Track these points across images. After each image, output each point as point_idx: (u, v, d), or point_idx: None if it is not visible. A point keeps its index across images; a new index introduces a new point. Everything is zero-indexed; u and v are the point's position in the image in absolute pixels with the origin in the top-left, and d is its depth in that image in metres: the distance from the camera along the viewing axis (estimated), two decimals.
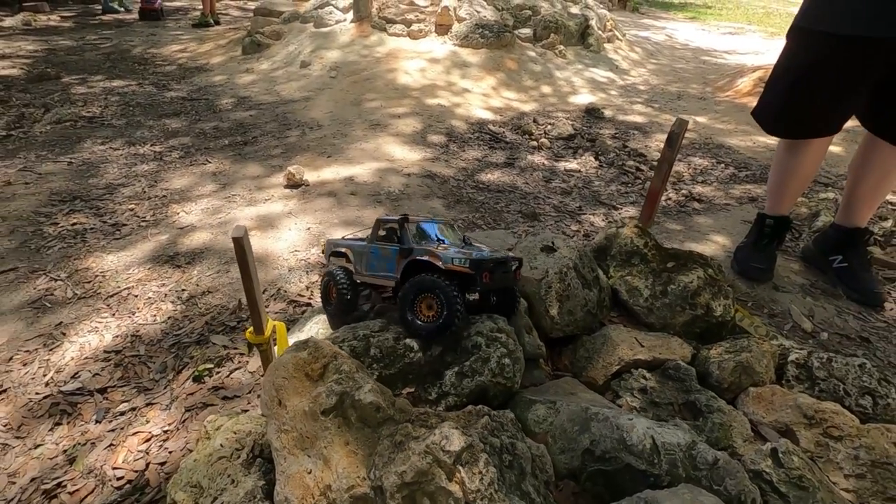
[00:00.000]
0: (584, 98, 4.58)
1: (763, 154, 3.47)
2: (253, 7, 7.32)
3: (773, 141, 3.71)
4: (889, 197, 2.72)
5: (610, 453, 0.96)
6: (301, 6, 5.76)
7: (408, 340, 1.14)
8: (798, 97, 1.69)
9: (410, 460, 0.73)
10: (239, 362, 1.49)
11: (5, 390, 1.42)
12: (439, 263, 1.10)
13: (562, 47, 5.31)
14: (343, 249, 1.39)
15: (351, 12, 5.24)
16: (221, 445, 0.95)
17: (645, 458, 0.92)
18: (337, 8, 5.33)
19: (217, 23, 7.18)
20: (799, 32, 1.69)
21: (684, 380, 1.25)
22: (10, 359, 1.53)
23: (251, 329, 1.16)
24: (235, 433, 0.96)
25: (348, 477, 0.76)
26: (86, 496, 1.13)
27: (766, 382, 1.25)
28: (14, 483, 1.17)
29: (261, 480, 0.87)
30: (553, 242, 1.54)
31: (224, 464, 0.90)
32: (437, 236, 1.26)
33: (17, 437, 1.29)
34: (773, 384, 1.26)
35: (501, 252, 1.24)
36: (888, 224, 2.33)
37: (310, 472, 0.79)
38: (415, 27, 5.04)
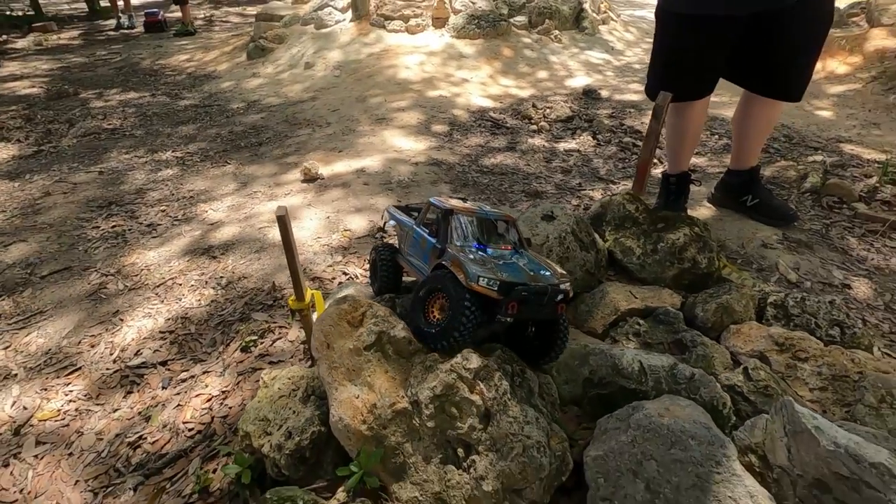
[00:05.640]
0: (580, 81, 4.70)
1: None
2: (252, 13, 7.50)
3: None
4: (872, 155, 2.84)
5: (605, 379, 1.14)
6: (301, 9, 5.93)
7: None
8: (673, 72, 1.95)
9: (439, 377, 0.91)
10: (279, 333, 1.68)
11: (80, 368, 1.63)
12: (462, 278, 0.97)
13: (557, 32, 5.42)
14: (393, 222, 1.41)
15: (349, 12, 5.40)
16: (279, 389, 1.14)
17: (634, 379, 1.09)
18: (336, 8, 5.49)
19: (195, 31, 7.42)
20: (662, 14, 1.93)
21: (673, 322, 1.42)
22: (80, 342, 1.74)
23: (293, 297, 1.35)
24: (290, 378, 1.15)
25: (390, 396, 0.94)
26: (164, 444, 1.33)
27: (745, 321, 1.41)
28: (102, 440, 1.37)
29: (317, 411, 1.06)
30: (552, 211, 1.71)
31: (285, 401, 1.09)
32: (479, 238, 1.12)
33: (98, 405, 1.49)
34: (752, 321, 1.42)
35: (549, 274, 1.04)
36: (872, 181, 2.46)
37: (357, 397, 0.97)
38: (412, 22, 5.19)
